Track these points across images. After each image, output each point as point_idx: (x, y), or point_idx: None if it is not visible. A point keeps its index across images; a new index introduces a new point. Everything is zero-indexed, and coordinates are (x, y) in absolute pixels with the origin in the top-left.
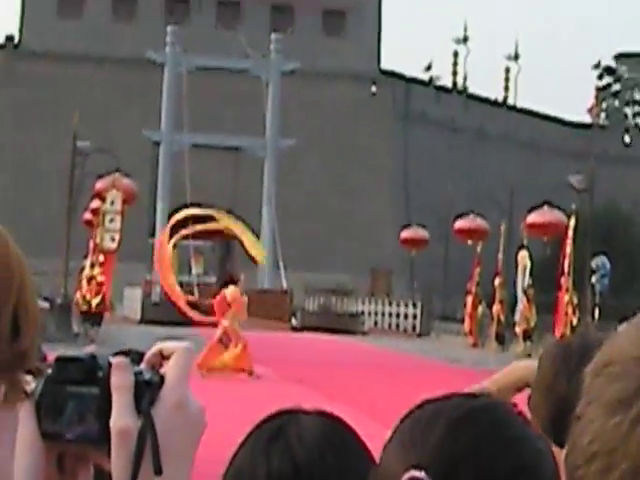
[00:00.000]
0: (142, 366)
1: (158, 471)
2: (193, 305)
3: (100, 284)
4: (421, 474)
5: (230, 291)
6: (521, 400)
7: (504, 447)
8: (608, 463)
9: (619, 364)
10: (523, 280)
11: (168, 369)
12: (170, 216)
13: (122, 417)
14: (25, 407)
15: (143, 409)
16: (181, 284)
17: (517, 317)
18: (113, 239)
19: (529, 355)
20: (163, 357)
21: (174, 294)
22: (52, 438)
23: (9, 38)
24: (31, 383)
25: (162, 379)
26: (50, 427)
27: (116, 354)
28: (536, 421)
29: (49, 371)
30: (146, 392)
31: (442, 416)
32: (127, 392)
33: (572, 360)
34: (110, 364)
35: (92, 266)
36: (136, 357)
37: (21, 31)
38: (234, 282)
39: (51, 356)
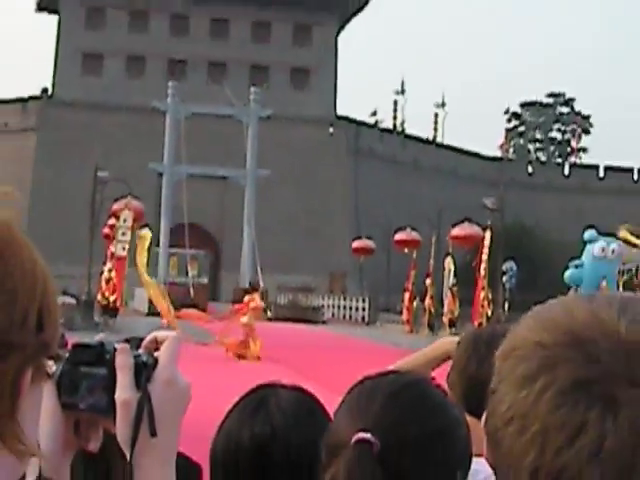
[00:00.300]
0: (140, 350)
1: (153, 433)
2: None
3: (115, 284)
4: (367, 435)
5: (254, 298)
6: (440, 375)
7: (429, 414)
8: (522, 425)
9: (522, 349)
10: (448, 280)
11: (161, 353)
12: (172, 231)
13: (124, 391)
14: (48, 385)
15: (141, 385)
16: (180, 284)
17: (444, 309)
18: (124, 248)
19: None
20: (157, 343)
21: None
22: (69, 408)
23: (44, 90)
24: (52, 367)
25: (156, 361)
26: (68, 399)
27: (120, 341)
28: (452, 394)
29: (67, 355)
30: (143, 371)
31: (380, 389)
32: (128, 371)
33: (481, 347)
34: (115, 349)
35: (109, 270)
36: (135, 343)
37: (54, 85)
38: (256, 289)
39: (72, 342)
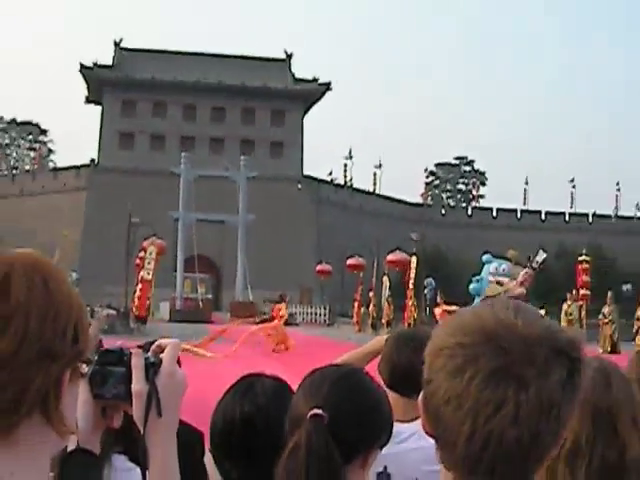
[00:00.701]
0: (149, 353)
1: (160, 414)
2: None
3: (143, 299)
4: (319, 411)
5: (281, 307)
6: (371, 367)
7: (362, 394)
8: (458, 403)
9: (448, 349)
10: (385, 292)
11: (164, 355)
12: (185, 261)
13: (138, 384)
14: (82, 383)
15: (150, 379)
16: (193, 299)
17: (383, 314)
18: (149, 274)
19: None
20: (161, 348)
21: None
22: (99, 397)
23: (92, 160)
24: (85, 368)
25: (161, 361)
26: (98, 391)
27: (135, 347)
28: (382, 379)
29: (96, 358)
30: (151, 369)
31: (327, 377)
32: (140, 369)
33: (401, 343)
34: (130, 353)
35: (140, 289)
36: (147, 346)
37: (98, 156)
38: (284, 300)
39: (108, 345)
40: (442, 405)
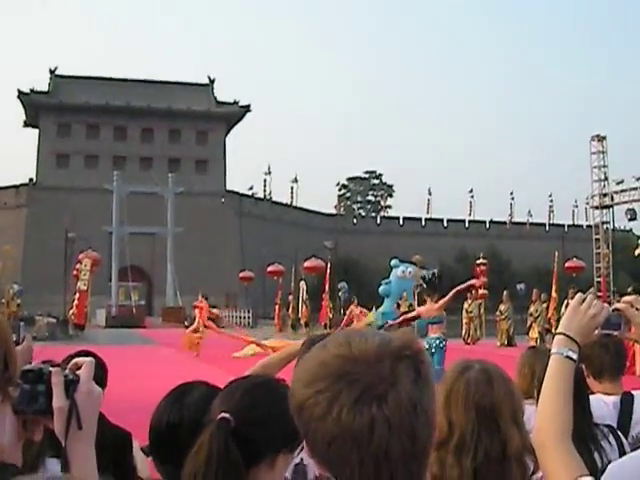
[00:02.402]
0: (67, 371)
1: (80, 427)
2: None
3: (81, 308)
4: (226, 415)
5: (355, 310)
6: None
7: (271, 402)
8: (339, 442)
9: (309, 399)
10: (303, 296)
11: (81, 372)
12: (120, 271)
13: (59, 400)
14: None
15: (70, 395)
16: (127, 305)
17: (301, 315)
18: (85, 284)
19: (308, 335)
20: (78, 366)
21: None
22: (20, 413)
23: (30, 179)
24: (14, 391)
25: (78, 378)
26: (19, 407)
27: (52, 366)
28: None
29: (18, 377)
30: (70, 386)
31: (241, 386)
32: (60, 386)
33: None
34: (50, 372)
35: (77, 299)
36: (64, 366)
37: (37, 175)
38: (353, 303)
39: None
40: (326, 448)
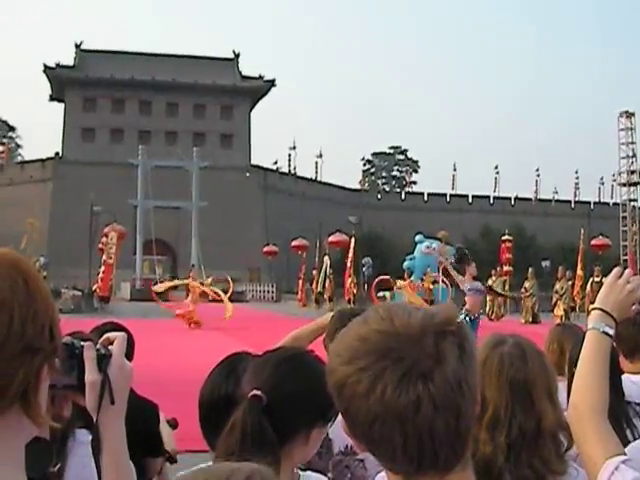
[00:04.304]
0: (99, 345)
1: (112, 402)
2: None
3: (106, 281)
4: (258, 392)
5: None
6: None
7: (301, 377)
8: (382, 420)
9: (350, 376)
10: (327, 270)
11: (114, 347)
12: (144, 245)
13: (91, 375)
14: None
15: (102, 369)
16: (150, 279)
17: (325, 290)
18: (111, 257)
19: (332, 310)
20: (110, 340)
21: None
22: (50, 388)
23: (57, 153)
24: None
25: (111, 353)
26: (49, 382)
27: (82, 339)
28: (327, 353)
29: None
30: (103, 360)
31: (272, 358)
32: (93, 361)
33: (345, 320)
34: (82, 346)
35: (103, 272)
36: (95, 339)
37: (62, 149)
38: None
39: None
40: (368, 427)
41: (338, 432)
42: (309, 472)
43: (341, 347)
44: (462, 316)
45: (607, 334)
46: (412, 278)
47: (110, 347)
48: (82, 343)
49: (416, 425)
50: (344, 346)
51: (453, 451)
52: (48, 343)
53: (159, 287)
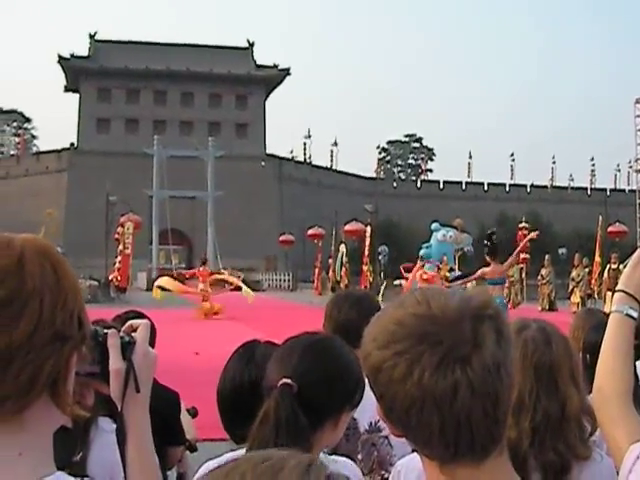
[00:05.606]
0: (122, 333)
1: (138, 390)
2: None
3: (124, 271)
4: (288, 380)
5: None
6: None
7: (330, 363)
8: (419, 405)
9: (386, 361)
10: (343, 259)
11: (137, 335)
12: (160, 234)
13: (116, 363)
14: None
15: (127, 357)
16: (167, 269)
17: (341, 278)
18: (127, 248)
19: None
20: (133, 328)
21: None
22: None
23: (72, 144)
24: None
25: (135, 340)
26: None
27: (105, 327)
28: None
29: None
30: (127, 348)
31: (298, 345)
32: (117, 349)
33: (340, 301)
34: (106, 333)
35: (119, 262)
36: (119, 326)
37: (78, 140)
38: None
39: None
40: (404, 412)
41: (361, 410)
42: (334, 456)
43: (377, 331)
44: (497, 300)
45: (631, 316)
46: (426, 267)
47: (134, 334)
48: (105, 330)
49: (453, 410)
50: (380, 330)
51: (490, 437)
52: (77, 331)
53: (165, 283)
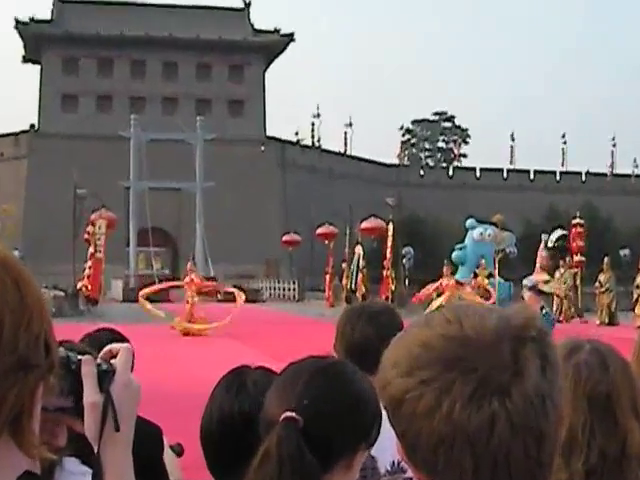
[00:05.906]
0: (99, 360)
1: (117, 429)
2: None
3: (95, 278)
4: (292, 414)
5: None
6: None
7: (341, 393)
8: (449, 443)
9: (410, 391)
10: (360, 263)
11: (117, 362)
12: (138, 234)
13: (91, 395)
14: None
15: (104, 389)
16: (147, 276)
17: (357, 287)
18: (99, 250)
19: None
20: (112, 354)
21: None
22: (41, 411)
23: (32, 126)
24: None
25: (114, 369)
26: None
27: (73, 349)
28: (337, 355)
29: None
30: (105, 378)
31: (303, 372)
32: (93, 379)
33: (354, 316)
34: (79, 360)
35: (89, 267)
36: (90, 348)
37: (39, 121)
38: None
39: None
40: (431, 451)
41: (381, 448)
42: None
43: (398, 354)
44: (543, 318)
45: None
46: (457, 276)
47: (113, 361)
48: (79, 357)
49: (490, 449)
50: (402, 354)
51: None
52: (43, 357)
53: (150, 291)
